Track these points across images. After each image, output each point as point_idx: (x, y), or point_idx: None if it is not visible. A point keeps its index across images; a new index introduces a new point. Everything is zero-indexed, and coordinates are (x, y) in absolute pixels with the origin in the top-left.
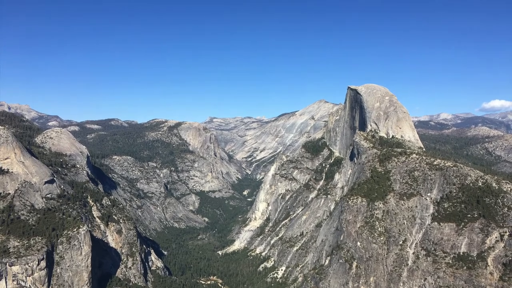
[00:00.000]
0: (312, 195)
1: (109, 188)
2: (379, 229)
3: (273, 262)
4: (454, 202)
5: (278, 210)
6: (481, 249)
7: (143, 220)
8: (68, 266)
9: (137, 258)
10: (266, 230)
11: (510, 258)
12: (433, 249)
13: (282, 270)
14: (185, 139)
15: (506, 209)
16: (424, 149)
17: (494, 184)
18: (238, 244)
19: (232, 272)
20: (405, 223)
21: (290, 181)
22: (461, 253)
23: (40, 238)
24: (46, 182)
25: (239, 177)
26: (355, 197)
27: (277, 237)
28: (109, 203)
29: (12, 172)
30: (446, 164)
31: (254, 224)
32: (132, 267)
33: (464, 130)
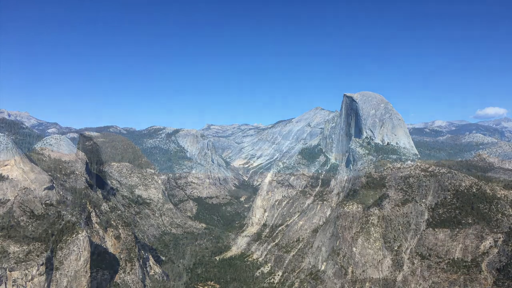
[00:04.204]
0: (309, 201)
1: (107, 194)
2: (374, 234)
3: (269, 267)
4: (449, 208)
5: (275, 216)
6: (475, 254)
7: (141, 226)
8: (67, 271)
9: (135, 264)
10: (263, 236)
11: (504, 264)
12: (428, 254)
13: (279, 275)
14: (182, 146)
15: (500, 215)
16: (419, 156)
17: (488, 191)
18: (235, 250)
19: (229, 277)
20: (400, 228)
21: (287, 188)
22: (456, 259)
23: (39, 243)
24: (45, 189)
25: (236, 183)
26: (351, 203)
27: (274, 243)
28: (108, 209)
29: (11, 178)
30: (441, 171)
31: (251, 230)
32: (130, 273)
33: (459, 137)
